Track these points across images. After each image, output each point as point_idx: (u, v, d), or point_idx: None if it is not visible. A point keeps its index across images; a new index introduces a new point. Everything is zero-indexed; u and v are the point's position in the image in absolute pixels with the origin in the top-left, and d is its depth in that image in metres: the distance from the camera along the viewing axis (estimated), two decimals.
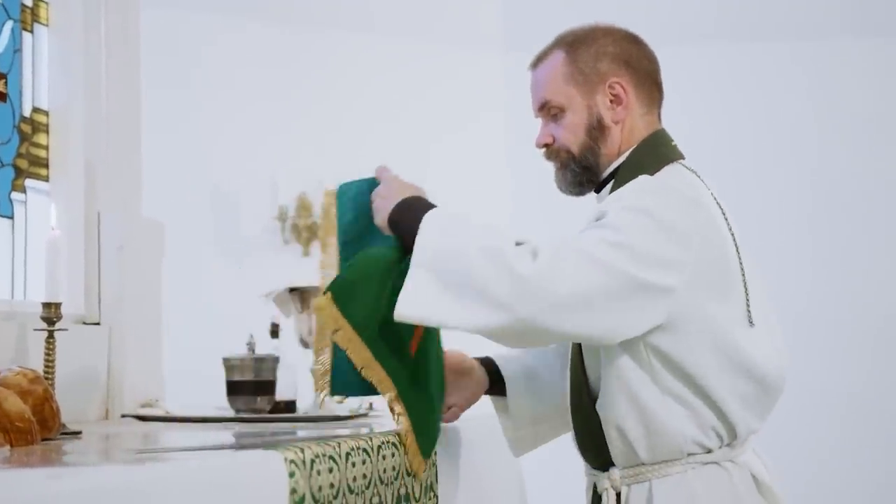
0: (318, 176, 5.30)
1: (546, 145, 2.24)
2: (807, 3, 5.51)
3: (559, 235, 2.02)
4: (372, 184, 2.16)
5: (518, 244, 2.00)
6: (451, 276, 1.97)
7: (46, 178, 2.98)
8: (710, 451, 2.11)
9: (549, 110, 2.24)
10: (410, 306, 1.97)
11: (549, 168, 2.30)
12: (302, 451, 1.68)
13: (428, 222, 2.01)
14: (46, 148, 2.99)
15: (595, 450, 2.17)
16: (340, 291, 2.02)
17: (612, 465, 2.15)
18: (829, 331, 5.42)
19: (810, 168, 5.52)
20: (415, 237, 2.00)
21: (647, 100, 2.23)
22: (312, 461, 1.70)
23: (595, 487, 2.20)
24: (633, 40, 2.25)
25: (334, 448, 1.80)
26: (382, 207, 2.10)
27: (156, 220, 3.20)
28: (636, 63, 2.22)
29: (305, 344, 2.86)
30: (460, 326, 1.98)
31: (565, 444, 2.34)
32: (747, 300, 2.11)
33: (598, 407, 2.13)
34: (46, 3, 3.05)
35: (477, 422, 2.48)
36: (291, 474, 1.63)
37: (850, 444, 5.37)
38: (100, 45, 3.09)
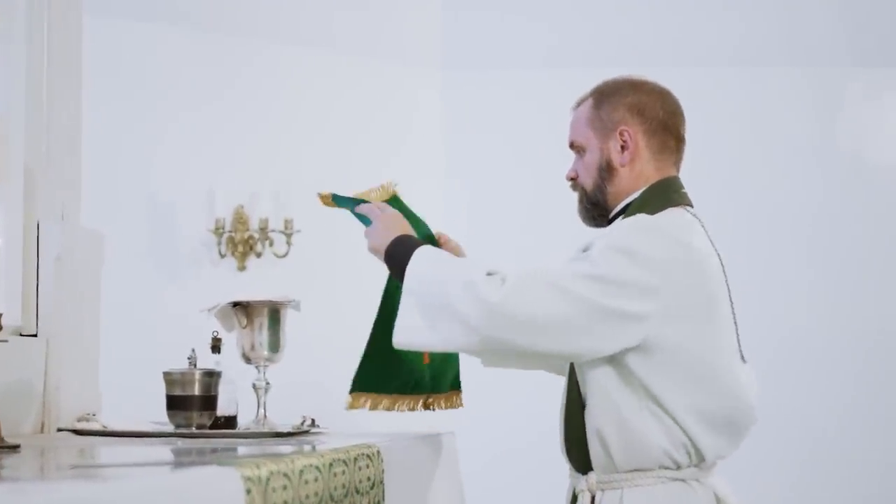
0: (255, 189, 5.27)
1: (572, 179, 2.54)
2: (744, 30, 5.60)
3: (532, 266, 2.34)
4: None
5: (490, 274, 2.30)
6: (431, 303, 2.31)
7: None
8: (679, 468, 2.33)
9: (575, 148, 2.53)
10: (403, 334, 2.35)
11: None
12: (258, 467, 1.66)
13: (418, 254, 2.37)
14: None
15: (578, 453, 2.40)
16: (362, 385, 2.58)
17: (591, 469, 2.38)
18: (807, 358, 5.50)
19: (750, 193, 5.60)
20: (405, 267, 2.35)
21: (659, 148, 2.47)
22: (268, 478, 1.68)
23: (575, 489, 2.44)
24: (655, 93, 2.51)
25: (288, 465, 1.78)
26: (381, 236, 2.46)
27: (95, 231, 3.15)
28: (650, 114, 2.46)
29: (248, 359, 2.82)
30: (443, 349, 2.38)
31: (551, 453, 2.58)
32: (738, 339, 2.39)
33: (585, 413, 2.36)
34: None
35: (424, 441, 2.49)
36: (248, 491, 1.61)
37: (830, 472, 5.44)
38: (42, 53, 3.04)
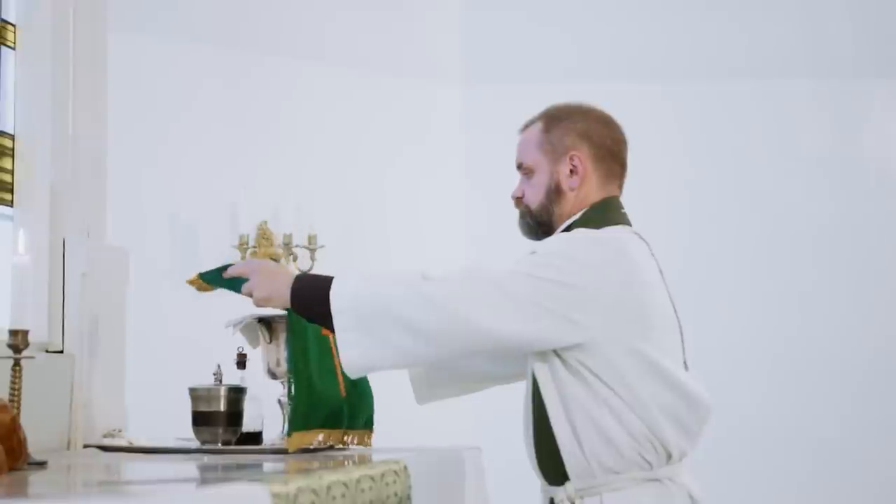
0: (279, 205, 5.28)
1: (518, 198, 2.61)
2: (767, 43, 5.58)
3: (474, 265, 2.45)
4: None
5: (426, 277, 2.33)
6: (370, 315, 2.30)
7: (11, 203, 2.94)
8: (652, 468, 2.38)
9: (523, 170, 2.61)
10: (349, 357, 2.32)
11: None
12: (286, 483, 1.66)
13: (340, 278, 2.35)
14: (11, 172, 2.95)
15: (552, 464, 2.42)
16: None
17: (568, 479, 2.40)
18: (793, 369, 5.46)
19: (769, 204, 5.58)
20: (325, 299, 2.31)
21: (605, 173, 2.56)
22: (296, 494, 1.67)
23: (552, 501, 2.45)
24: (603, 121, 2.59)
25: (315, 480, 1.78)
26: (273, 282, 2.40)
27: (120, 248, 3.16)
28: (599, 141, 2.55)
29: (273, 374, 2.82)
30: (396, 360, 2.34)
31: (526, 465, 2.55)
32: (683, 348, 2.48)
33: (550, 421, 2.39)
34: (13, 25, 3.02)
35: (449, 457, 2.48)
36: None
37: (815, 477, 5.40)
38: (67, 69, 3.06)
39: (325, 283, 2.36)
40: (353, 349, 2.31)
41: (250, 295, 2.44)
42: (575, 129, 2.56)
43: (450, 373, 2.74)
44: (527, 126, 2.64)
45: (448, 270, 2.36)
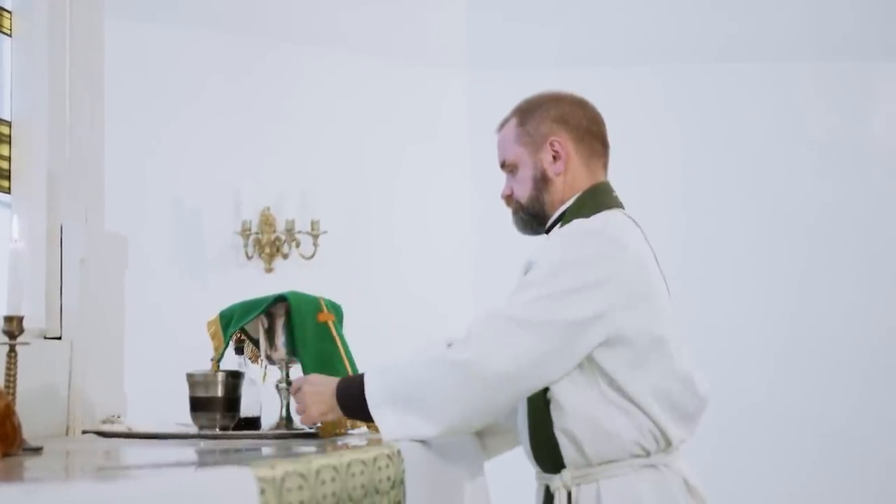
0: (282, 191, 5.28)
1: (507, 196, 2.64)
2: (770, 25, 5.56)
3: (484, 311, 2.35)
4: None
5: (450, 343, 2.32)
6: (403, 395, 2.30)
7: (8, 190, 2.94)
8: (648, 455, 2.38)
9: (507, 167, 2.64)
10: (393, 436, 2.31)
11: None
12: (273, 467, 1.65)
13: (368, 375, 2.37)
14: (8, 159, 2.95)
15: (548, 453, 2.43)
16: None
17: (564, 467, 2.42)
18: (792, 354, 5.44)
19: (772, 189, 5.56)
20: (363, 401, 2.34)
21: (588, 154, 2.58)
22: (283, 479, 1.67)
23: (547, 489, 2.47)
24: (576, 103, 2.61)
25: (304, 465, 1.77)
26: (321, 395, 2.43)
27: (118, 234, 3.16)
28: (575, 122, 2.57)
29: (270, 360, 2.83)
30: (442, 430, 2.31)
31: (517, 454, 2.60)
32: (678, 333, 2.45)
33: (551, 412, 2.39)
34: (10, 12, 3.01)
35: (447, 441, 2.47)
36: (262, 491, 1.60)
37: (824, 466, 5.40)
38: (64, 55, 3.05)
39: (358, 389, 2.37)
40: (398, 433, 2.32)
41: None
42: (549, 115, 2.58)
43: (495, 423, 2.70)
44: (502, 125, 2.66)
45: (467, 328, 2.33)
